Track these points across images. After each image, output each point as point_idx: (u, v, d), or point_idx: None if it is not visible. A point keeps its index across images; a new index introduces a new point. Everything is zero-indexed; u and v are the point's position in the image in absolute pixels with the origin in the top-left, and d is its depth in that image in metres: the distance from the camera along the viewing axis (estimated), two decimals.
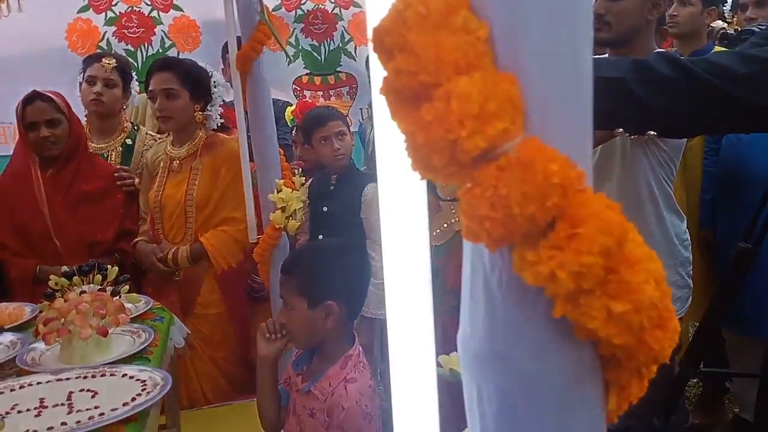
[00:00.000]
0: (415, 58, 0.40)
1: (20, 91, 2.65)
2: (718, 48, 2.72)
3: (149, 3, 4.24)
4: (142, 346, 1.59)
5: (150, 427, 1.30)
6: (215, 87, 2.57)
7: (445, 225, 2.01)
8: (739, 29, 2.86)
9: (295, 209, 2.29)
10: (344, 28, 4.57)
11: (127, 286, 1.85)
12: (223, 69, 3.27)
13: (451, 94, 0.39)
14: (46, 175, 2.41)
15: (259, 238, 2.38)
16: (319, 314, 1.46)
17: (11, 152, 2.69)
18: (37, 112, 2.39)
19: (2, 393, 1.36)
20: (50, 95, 2.44)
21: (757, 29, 2.49)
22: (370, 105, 2.49)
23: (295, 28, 4.50)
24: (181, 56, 4.16)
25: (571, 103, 0.43)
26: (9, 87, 3.78)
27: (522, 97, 0.40)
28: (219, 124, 2.60)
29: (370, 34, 0.44)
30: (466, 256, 0.46)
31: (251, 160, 2.40)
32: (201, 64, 2.65)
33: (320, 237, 2.46)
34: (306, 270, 1.51)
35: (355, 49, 4.60)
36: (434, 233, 2.03)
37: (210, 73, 2.59)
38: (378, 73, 0.45)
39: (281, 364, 1.70)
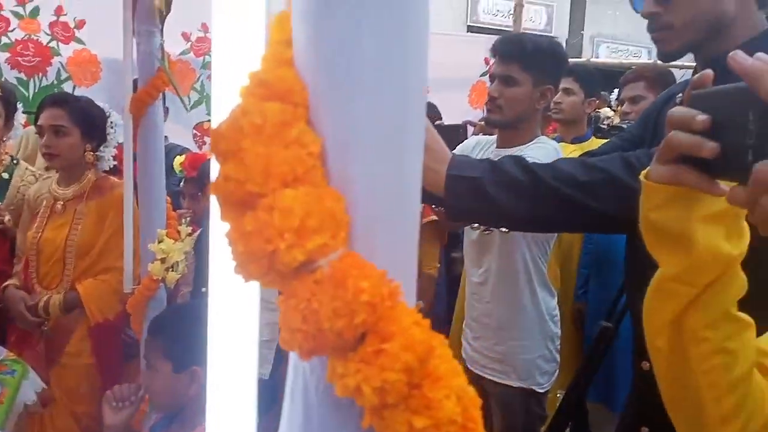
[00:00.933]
0: (244, 167, 0.42)
1: None
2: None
3: (49, 33, 4.09)
4: None
5: None
6: (111, 128, 2.49)
7: None
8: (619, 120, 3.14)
9: (177, 261, 2.23)
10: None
11: None
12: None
13: (274, 205, 0.40)
14: None
15: (134, 289, 2.28)
16: (184, 379, 1.42)
17: None
18: None
19: None
20: None
21: (625, 126, 2.74)
22: None
23: (201, 74, 4.49)
24: (78, 91, 4.03)
25: (396, 221, 0.45)
26: None
27: (347, 213, 0.42)
28: (112, 167, 2.51)
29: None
30: (291, 356, 0.47)
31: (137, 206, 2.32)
32: (100, 102, 2.57)
33: (203, 289, 2.39)
34: (172, 332, 1.47)
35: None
36: None
37: (108, 113, 2.51)
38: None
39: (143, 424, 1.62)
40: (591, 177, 1.06)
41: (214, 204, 0.54)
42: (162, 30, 2.47)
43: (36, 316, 2.27)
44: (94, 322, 2.30)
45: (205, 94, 4.49)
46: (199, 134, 4.46)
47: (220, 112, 0.48)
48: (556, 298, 2.13)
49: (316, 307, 0.39)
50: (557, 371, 2.12)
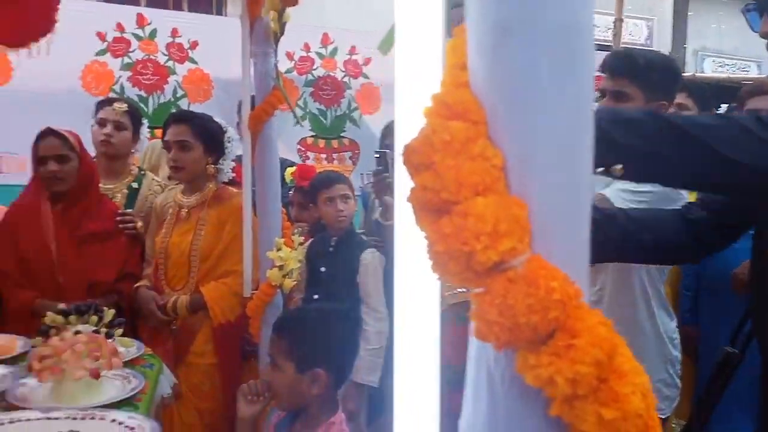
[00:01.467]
0: (438, 178, 0.48)
1: (35, 125, 2.75)
2: None
3: (165, 53, 4.41)
4: (132, 393, 1.61)
5: None
6: (229, 142, 2.67)
7: (447, 293, 2.05)
8: None
9: (292, 268, 2.35)
10: (351, 96, 4.79)
11: (121, 330, 1.88)
12: (237, 123, 3.39)
13: (468, 212, 0.46)
14: (56, 210, 2.47)
15: (254, 294, 2.43)
16: (306, 379, 1.49)
17: (20, 181, 2.76)
18: (49, 148, 2.47)
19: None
20: (63, 133, 2.52)
21: None
22: (371, 172, 2.63)
23: (304, 92, 4.71)
24: (192, 107, 4.30)
25: (571, 227, 0.50)
26: (24, 120, 3.90)
27: (529, 220, 0.47)
28: (230, 178, 2.69)
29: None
30: (471, 348, 0.53)
31: (255, 215, 2.47)
32: (216, 118, 2.76)
33: (315, 296, 2.51)
34: (297, 334, 1.55)
35: (360, 117, 4.79)
36: None
37: (225, 129, 2.69)
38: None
39: (265, 423, 1.72)
40: (720, 122, 1.00)
41: (399, 222, 0.61)
42: (276, 51, 2.63)
43: (165, 315, 2.46)
44: (216, 323, 2.46)
45: (308, 110, 4.68)
46: (302, 149, 4.65)
47: (403, 132, 0.54)
48: (675, 321, 2.05)
49: (512, 303, 0.44)
50: (678, 397, 2.03)
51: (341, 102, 4.75)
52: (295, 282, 2.37)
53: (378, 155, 2.23)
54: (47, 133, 2.50)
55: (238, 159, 2.85)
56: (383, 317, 2.41)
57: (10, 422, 1.40)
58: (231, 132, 2.76)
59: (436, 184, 0.47)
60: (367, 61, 4.72)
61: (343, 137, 4.75)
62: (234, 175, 2.79)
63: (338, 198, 2.52)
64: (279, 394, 1.55)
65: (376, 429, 2.31)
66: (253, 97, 2.54)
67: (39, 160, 2.46)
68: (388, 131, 3.06)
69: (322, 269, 2.55)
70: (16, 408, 1.49)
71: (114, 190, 2.91)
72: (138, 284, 2.54)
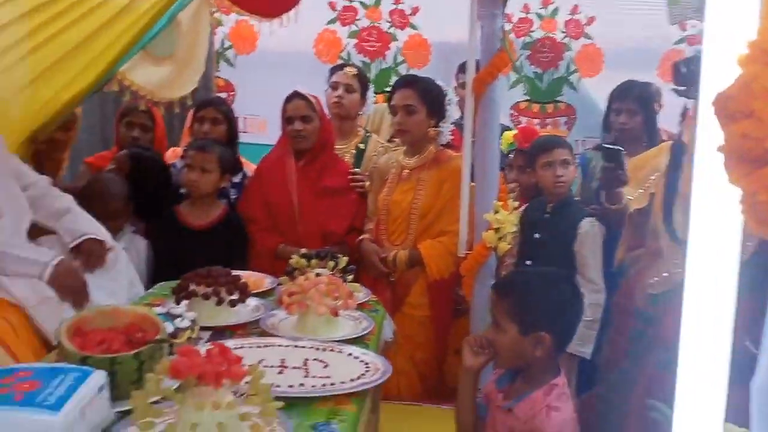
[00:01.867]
0: (761, 125, 0.46)
1: (275, 90, 3.05)
2: None
3: (389, 20, 4.58)
4: (363, 332, 1.76)
5: (367, 406, 1.44)
6: (449, 105, 2.74)
7: (665, 274, 1.95)
8: None
9: (508, 232, 2.37)
10: (571, 58, 4.58)
11: (352, 276, 2.05)
12: (455, 87, 3.45)
13: None
14: (299, 165, 2.74)
15: (467, 254, 2.49)
16: (529, 342, 1.50)
17: (266, 141, 3.09)
18: (295, 108, 2.73)
19: (251, 347, 1.59)
20: (307, 95, 2.77)
21: None
22: (597, 147, 2.55)
23: (521, 55, 4.59)
24: (411, 72, 4.45)
25: None
26: (266, 85, 4.34)
27: None
28: (448, 141, 2.76)
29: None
30: None
31: (472, 179, 2.52)
32: (438, 82, 2.83)
33: (528, 263, 2.50)
34: (521, 295, 1.56)
35: (579, 80, 4.59)
36: (652, 280, 1.98)
37: (445, 92, 2.76)
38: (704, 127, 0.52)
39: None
40: None
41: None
42: (503, 12, 2.62)
43: (386, 267, 2.62)
44: (432, 278, 2.58)
45: (523, 74, 4.59)
46: (515, 113, 4.59)
47: (710, 85, 0.52)
48: None
49: None
50: None
51: (559, 65, 4.58)
52: (509, 246, 2.39)
53: (608, 149, 2.09)
54: (294, 95, 2.77)
55: (455, 123, 2.91)
56: (599, 289, 2.34)
57: (266, 346, 1.61)
58: (450, 95, 2.82)
59: (758, 132, 0.45)
60: (590, 21, 4.48)
61: (558, 101, 4.59)
62: (452, 137, 2.86)
63: (558, 163, 2.46)
64: (501, 353, 1.57)
65: (583, 402, 2.26)
66: (477, 62, 2.57)
67: (286, 120, 2.73)
68: (620, 94, 2.90)
69: (537, 235, 2.52)
70: (269, 335, 1.71)
71: (344, 150, 3.14)
72: (361, 237, 2.74)
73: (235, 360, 1.07)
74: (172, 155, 3.31)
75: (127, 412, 1.17)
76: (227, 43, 4.48)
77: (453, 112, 2.84)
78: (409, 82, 2.75)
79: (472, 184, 2.52)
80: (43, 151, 2.86)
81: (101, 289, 2.11)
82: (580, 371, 2.40)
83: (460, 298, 2.66)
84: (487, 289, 2.38)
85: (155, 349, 1.27)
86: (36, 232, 2.20)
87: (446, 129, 2.77)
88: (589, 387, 2.36)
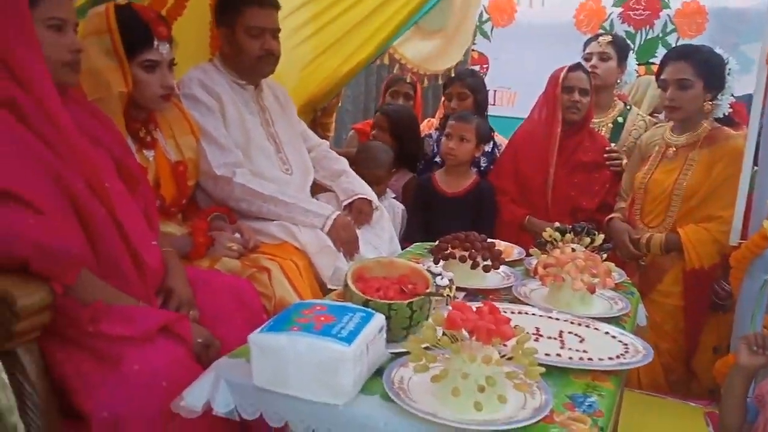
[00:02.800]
0: None
1: (529, 62, 3.03)
2: None
3: None
4: (620, 313, 1.71)
5: (622, 386, 1.41)
6: (729, 74, 2.47)
7: None
8: None
9: None
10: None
11: (606, 255, 1.99)
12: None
13: None
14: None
15: (740, 243, 2.26)
16: None
17: (515, 114, 3.11)
18: (578, 80, 2.71)
19: (504, 313, 1.63)
20: (588, 71, 2.74)
21: None
22: None
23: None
24: (681, 42, 4.09)
25: None
26: (519, 57, 4.33)
27: None
28: (725, 113, 2.51)
29: None
30: None
31: (755, 162, 2.26)
32: (718, 49, 2.57)
33: None
34: None
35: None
36: None
37: (726, 60, 2.50)
38: None
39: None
40: None
41: None
42: None
43: (637, 250, 2.49)
44: (690, 267, 2.40)
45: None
46: None
47: None
48: None
49: None
50: None
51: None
52: None
53: None
54: (578, 66, 2.75)
55: (737, 98, 2.63)
56: None
57: (519, 313, 1.64)
58: (732, 63, 2.53)
59: None
60: None
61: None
62: (731, 110, 2.59)
63: None
64: None
65: None
66: None
67: (565, 89, 2.71)
68: None
69: None
70: (520, 302, 1.74)
71: (599, 123, 3.03)
72: (611, 215, 2.63)
73: (504, 320, 1.13)
74: (427, 126, 3.50)
75: (398, 354, 1.31)
76: (485, 16, 4.54)
77: (734, 84, 2.56)
78: (684, 53, 2.54)
79: (755, 167, 2.26)
80: (317, 117, 3.22)
81: (366, 243, 2.34)
82: None
83: (725, 293, 2.43)
84: (757, 284, 2.14)
85: (425, 300, 1.38)
86: (313, 189, 2.50)
87: (724, 101, 2.51)
88: None
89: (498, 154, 3.07)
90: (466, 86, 3.07)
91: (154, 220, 1.69)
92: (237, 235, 2.07)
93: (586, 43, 3.18)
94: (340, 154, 2.66)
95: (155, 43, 1.84)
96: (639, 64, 3.91)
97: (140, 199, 1.61)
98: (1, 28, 1.34)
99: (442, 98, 3.43)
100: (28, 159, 1.32)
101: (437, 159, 3.07)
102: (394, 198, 2.93)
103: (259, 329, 1.21)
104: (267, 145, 2.30)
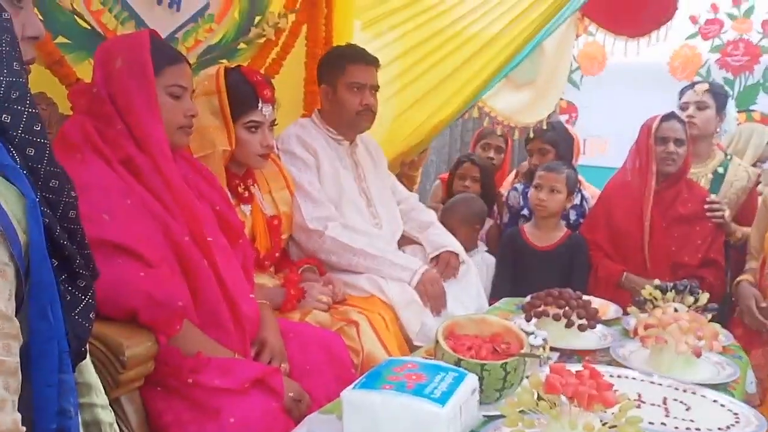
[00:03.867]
0: None
1: (623, 108, 2.97)
2: None
3: (760, 31, 4.08)
4: (728, 379, 1.59)
5: None
6: None
7: None
8: None
9: None
10: None
11: (711, 315, 1.87)
12: None
13: None
14: (655, 190, 2.62)
15: None
16: None
17: (606, 163, 3.04)
18: (672, 130, 2.63)
19: (603, 376, 1.56)
20: (683, 119, 2.66)
21: None
22: None
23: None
24: None
25: None
26: (610, 104, 4.26)
27: None
28: None
29: None
30: None
31: None
32: None
33: None
34: None
35: None
36: None
37: None
38: None
39: None
40: None
41: None
42: None
43: (765, 318, 2.25)
44: None
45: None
46: None
47: None
48: None
49: None
50: None
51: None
52: None
53: None
54: (672, 116, 2.68)
55: None
56: None
57: (618, 377, 1.57)
58: None
59: None
60: None
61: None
62: None
63: None
64: None
65: None
66: None
67: (659, 140, 2.63)
68: None
69: None
70: (619, 365, 1.66)
71: (698, 173, 2.90)
72: (740, 279, 2.45)
73: (606, 386, 1.08)
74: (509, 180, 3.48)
75: (491, 417, 1.27)
76: (574, 65, 4.50)
77: None
78: None
79: None
80: (404, 170, 3.26)
81: (453, 298, 2.32)
82: None
83: None
84: None
85: (519, 361, 1.34)
86: (401, 241, 2.52)
87: None
88: None
89: (587, 207, 2.99)
90: (546, 141, 3.07)
91: (251, 273, 1.75)
92: (328, 287, 2.10)
93: (682, 92, 3.08)
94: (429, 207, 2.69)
95: (259, 105, 1.94)
96: (739, 112, 3.75)
97: (239, 253, 1.67)
98: (128, 92, 1.46)
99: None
100: (141, 213, 1.41)
101: (525, 212, 3.03)
102: (487, 252, 2.91)
103: (351, 386, 1.21)
104: (359, 199, 2.35)
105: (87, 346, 0.96)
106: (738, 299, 2.36)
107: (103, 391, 1.07)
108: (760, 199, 2.58)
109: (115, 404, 1.28)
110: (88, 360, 1.01)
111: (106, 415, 1.05)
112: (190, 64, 1.64)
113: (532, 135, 3.13)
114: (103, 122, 1.49)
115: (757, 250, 2.45)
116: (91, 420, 1.02)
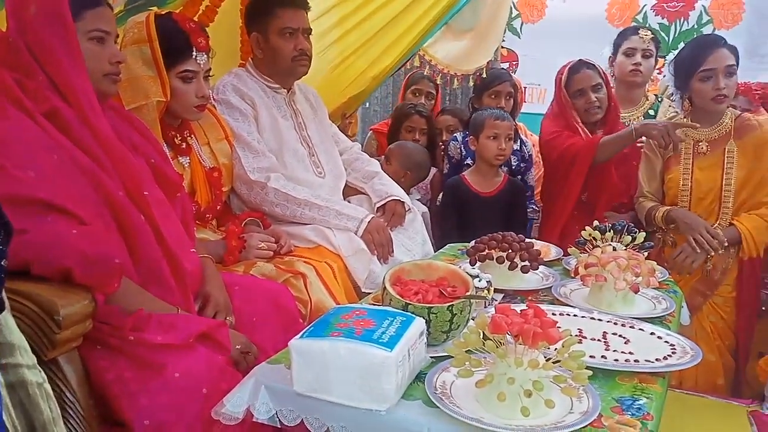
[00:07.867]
0: None
1: (559, 58, 2.98)
2: None
3: None
4: (664, 313, 1.66)
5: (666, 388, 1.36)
6: None
7: None
8: None
9: None
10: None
11: (647, 253, 1.94)
12: None
13: None
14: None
15: None
16: None
17: (543, 111, 3.06)
18: (585, 79, 2.65)
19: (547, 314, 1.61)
20: (593, 63, 2.68)
21: None
22: None
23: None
24: (717, 33, 3.99)
25: None
26: (549, 53, 4.27)
27: None
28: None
29: None
30: None
31: None
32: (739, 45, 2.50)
33: None
34: None
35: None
36: None
37: None
38: None
39: None
40: None
41: None
42: None
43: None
44: (747, 256, 2.35)
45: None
46: None
47: None
48: None
49: None
50: None
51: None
52: None
53: None
54: (580, 65, 2.69)
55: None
56: None
57: (561, 314, 1.61)
58: None
59: None
60: None
61: None
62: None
63: None
64: None
65: None
66: None
67: (576, 93, 2.67)
68: None
69: None
70: (561, 303, 1.71)
71: (630, 117, 2.97)
72: (669, 207, 2.52)
73: (550, 323, 1.10)
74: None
75: (439, 359, 1.29)
76: (515, 13, 4.48)
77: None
78: (720, 41, 2.44)
79: None
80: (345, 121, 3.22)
81: (400, 245, 2.32)
82: None
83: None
84: None
85: (465, 303, 1.36)
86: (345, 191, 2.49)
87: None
88: None
89: (526, 151, 3.06)
90: (512, 86, 3.08)
91: (191, 227, 1.70)
92: (268, 236, 2.07)
93: (623, 35, 3.07)
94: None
95: (194, 53, 1.85)
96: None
97: (178, 207, 1.61)
98: (47, 40, 1.36)
99: (470, 98, 3.40)
100: (70, 169, 1.33)
101: (468, 161, 3.03)
102: (418, 200, 2.92)
103: (299, 335, 1.20)
104: (300, 148, 2.30)
105: (4, 296, 0.91)
106: (686, 225, 2.41)
107: (29, 350, 1.02)
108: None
109: (53, 365, 1.24)
110: (10, 319, 0.96)
111: (34, 375, 1.01)
112: (111, 6, 1.54)
113: (498, 75, 3.12)
114: (22, 73, 1.38)
115: (651, 192, 2.55)
116: (16, 381, 0.98)
